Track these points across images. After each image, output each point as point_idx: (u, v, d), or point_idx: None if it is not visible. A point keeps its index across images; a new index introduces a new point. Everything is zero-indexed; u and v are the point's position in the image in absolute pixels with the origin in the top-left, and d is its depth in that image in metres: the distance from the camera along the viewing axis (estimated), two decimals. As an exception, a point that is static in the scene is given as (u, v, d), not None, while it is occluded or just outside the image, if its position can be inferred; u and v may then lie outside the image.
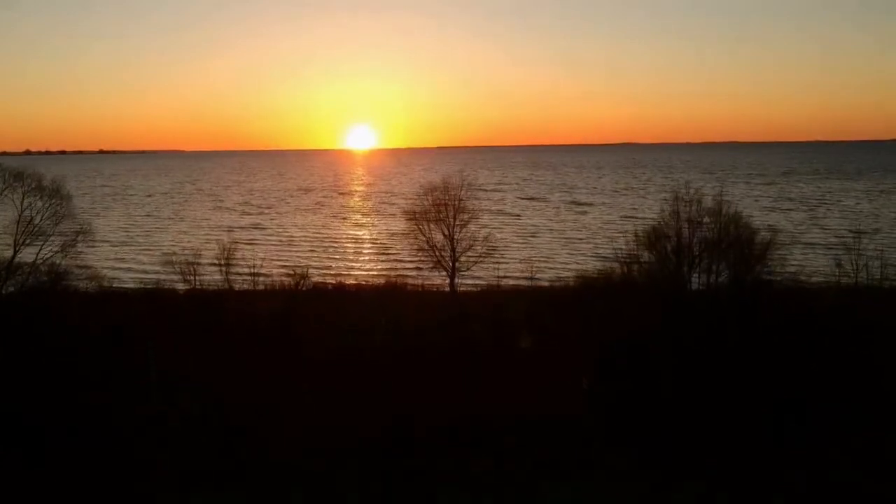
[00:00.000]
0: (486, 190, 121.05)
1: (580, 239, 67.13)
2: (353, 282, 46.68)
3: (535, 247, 60.46)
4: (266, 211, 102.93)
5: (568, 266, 50.87)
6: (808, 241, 60.12)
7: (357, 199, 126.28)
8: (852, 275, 33.61)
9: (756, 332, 28.10)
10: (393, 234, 66.54)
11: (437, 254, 41.08)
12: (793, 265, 35.60)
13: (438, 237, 41.25)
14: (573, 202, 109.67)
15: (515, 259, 52.32)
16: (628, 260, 32.09)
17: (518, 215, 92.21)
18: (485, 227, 46.33)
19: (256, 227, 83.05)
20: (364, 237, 75.89)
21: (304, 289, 39.50)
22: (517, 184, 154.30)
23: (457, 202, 40.94)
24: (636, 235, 30.90)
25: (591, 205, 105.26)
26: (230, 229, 77.23)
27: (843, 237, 56.52)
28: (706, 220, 28.79)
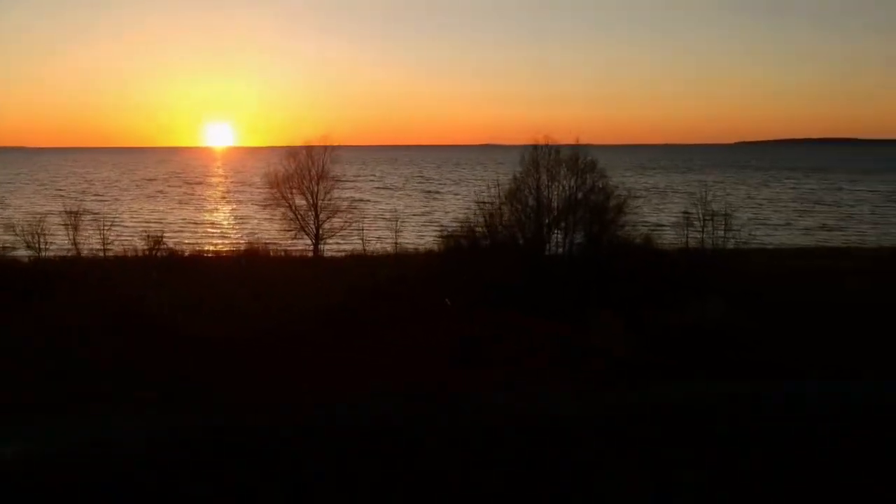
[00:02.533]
0: (343, 180, 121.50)
1: (439, 218, 69.07)
2: (212, 248, 45.99)
3: (398, 223, 61.70)
4: (105, 198, 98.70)
5: (431, 236, 52.35)
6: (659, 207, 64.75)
7: (210, 186, 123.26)
8: (699, 231, 36.67)
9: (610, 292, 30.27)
10: (253, 205, 66.04)
11: (301, 220, 41.30)
12: (646, 225, 38.64)
13: (302, 203, 41.49)
14: (429, 191, 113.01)
15: (381, 228, 53.09)
16: (490, 219, 33.51)
17: (377, 201, 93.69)
18: (349, 196, 46.87)
19: (92, 211, 79.52)
20: (220, 212, 74.60)
21: (159, 255, 38.67)
22: (374, 176, 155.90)
23: (320, 167, 41.33)
24: (498, 192, 32.41)
25: (445, 193, 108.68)
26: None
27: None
28: (564, 170, 30.64)
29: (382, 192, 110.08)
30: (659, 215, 58.56)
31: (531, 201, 30.77)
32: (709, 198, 37.94)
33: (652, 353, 22.76)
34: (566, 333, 24.55)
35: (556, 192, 30.73)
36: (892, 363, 20.34)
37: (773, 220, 65.04)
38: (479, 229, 32.76)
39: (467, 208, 37.96)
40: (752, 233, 39.48)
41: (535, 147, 30.92)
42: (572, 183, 30.75)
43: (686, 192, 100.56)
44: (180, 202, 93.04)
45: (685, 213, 37.95)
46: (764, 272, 34.63)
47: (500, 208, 31.89)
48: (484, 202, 33.39)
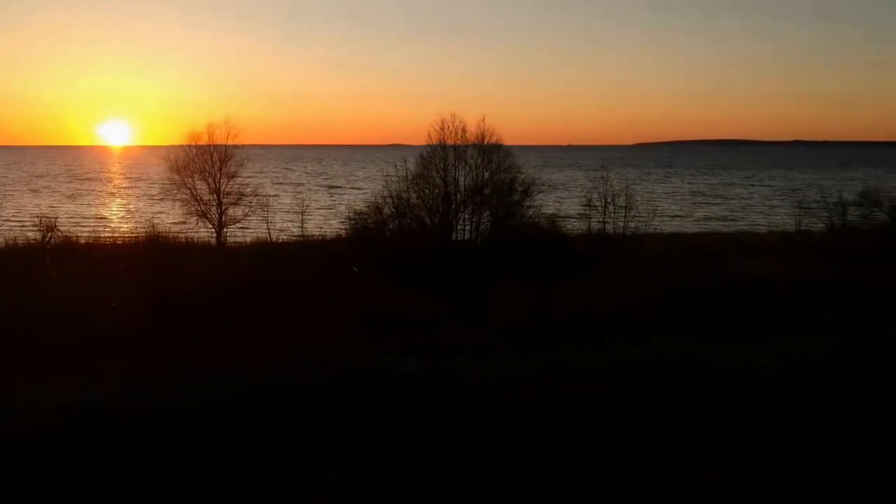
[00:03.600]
0: (243, 177, 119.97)
1: (343, 211, 69.12)
2: (109, 236, 44.74)
3: (303, 213, 61.49)
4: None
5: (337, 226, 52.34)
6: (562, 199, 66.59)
7: (103, 182, 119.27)
8: (601, 216, 38.21)
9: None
10: (149, 199, 64.57)
11: (203, 207, 40.73)
12: (550, 212, 39.85)
13: (203, 189, 40.92)
14: (334, 186, 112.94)
15: (286, 220, 52.77)
16: (398, 201, 33.89)
17: (279, 195, 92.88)
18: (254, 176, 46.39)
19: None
20: (113, 205, 72.53)
21: (51, 243, 37.42)
22: (277, 173, 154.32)
23: (223, 151, 40.86)
24: (406, 172, 32.83)
25: (348, 188, 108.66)
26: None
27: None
28: (471, 149, 31.38)
29: (286, 186, 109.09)
30: (562, 204, 60.25)
31: (438, 180, 31.40)
32: (610, 188, 39.55)
33: (546, 324, 23.62)
34: (468, 308, 25.22)
35: (462, 172, 31.45)
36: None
37: (671, 210, 67.95)
38: (387, 211, 33.15)
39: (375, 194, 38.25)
40: (651, 220, 41.27)
41: (442, 125, 31.56)
42: (479, 162, 31.52)
43: (588, 186, 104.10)
44: (70, 197, 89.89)
45: (587, 199, 39.39)
46: (660, 254, 36.22)
47: (407, 189, 32.38)
48: (392, 184, 33.79)
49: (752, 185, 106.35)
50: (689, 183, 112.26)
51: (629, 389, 14.82)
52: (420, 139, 36.61)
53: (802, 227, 43.43)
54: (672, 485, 10.69)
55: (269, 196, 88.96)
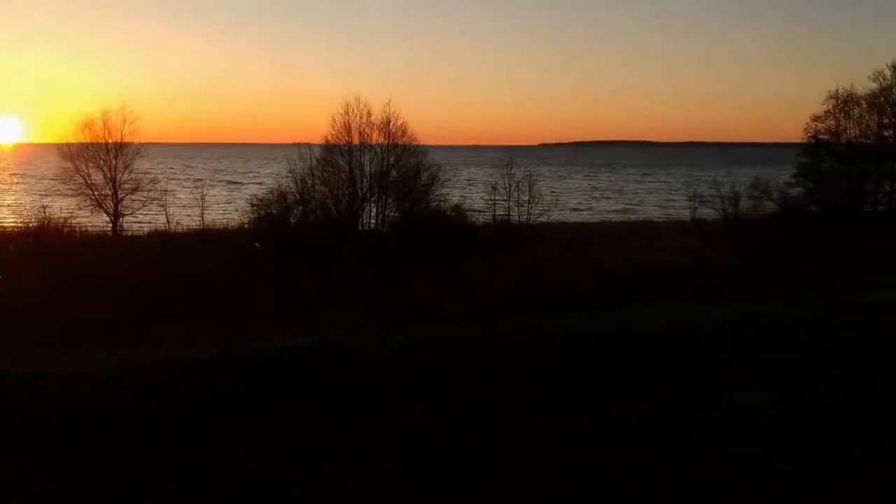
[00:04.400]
0: (140, 172, 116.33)
1: (243, 206, 67.95)
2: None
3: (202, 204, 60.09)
4: None
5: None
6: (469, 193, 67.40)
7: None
8: (505, 202, 38.86)
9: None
10: (39, 193, 61.73)
11: (98, 195, 39.34)
12: (457, 196, 40.33)
13: (98, 178, 39.52)
14: (234, 182, 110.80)
15: (186, 213, 51.34)
16: (303, 186, 33.50)
17: (178, 189, 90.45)
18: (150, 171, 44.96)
19: None
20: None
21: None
22: (174, 169, 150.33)
23: (119, 139, 39.55)
24: (310, 157, 32.45)
25: (248, 184, 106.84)
26: None
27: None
28: (376, 132, 31.38)
29: (183, 181, 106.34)
30: (469, 196, 60.79)
31: (343, 164, 31.26)
32: (514, 180, 40.24)
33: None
34: (375, 291, 25.29)
35: (368, 156, 31.42)
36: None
37: (572, 204, 69.63)
38: (291, 198, 32.82)
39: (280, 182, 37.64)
40: (552, 210, 42.18)
41: (347, 108, 31.42)
42: (385, 147, 31.57)
43: (492, 182, 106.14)
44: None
45: (492, 186, 39.99)
46: (564, 243, 37.13)
47: (311, 174, 32.13)
48: (297, 170, 33.38)
49: (650, 182, 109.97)
50: (589, 178, 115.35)
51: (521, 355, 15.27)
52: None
53: (697, 217, 45.14)
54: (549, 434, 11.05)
55: (167, 191, 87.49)
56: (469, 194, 79.38)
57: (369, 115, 31.24)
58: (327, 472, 9.62)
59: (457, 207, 36.95)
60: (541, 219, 39.34)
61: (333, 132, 31.70)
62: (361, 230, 35.02)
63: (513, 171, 41.65)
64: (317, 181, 32.39)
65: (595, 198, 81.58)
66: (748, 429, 11.32)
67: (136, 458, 10.06)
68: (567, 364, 14.51)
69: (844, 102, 35.56)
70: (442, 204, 36.68)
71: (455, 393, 13.02)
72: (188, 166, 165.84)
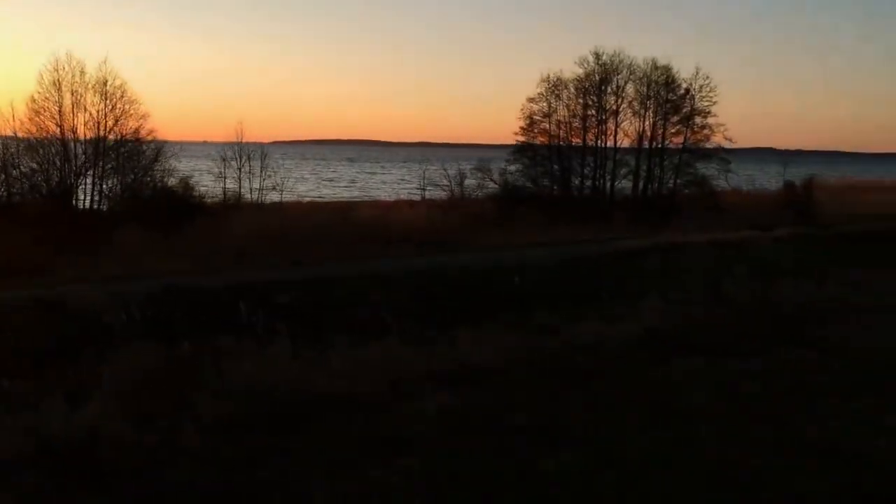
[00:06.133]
0: None
1: None
2: None
3: None
4: None
5: None
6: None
7: None
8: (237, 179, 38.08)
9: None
10: None
11: None
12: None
13: None
14: None
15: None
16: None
17: None
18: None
19: None
20: None
21: None
22: None
23: None
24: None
25: None
26: None
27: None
28: (91, 95, 29.27)
29: None
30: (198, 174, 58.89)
31: (53, 126, 28.79)
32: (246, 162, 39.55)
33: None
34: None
35: (82, 119, 29.22)
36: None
37: (303, 191, 69.74)
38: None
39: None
40: (284, 187, 42.06)
41: (56, 64, 28.81)
42: (101, 108, 29.54)
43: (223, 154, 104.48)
44: None
45: (222, 159, 38.98)
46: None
47: (15, 137, 29.26)
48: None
49: (383, 174, 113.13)
50: (320, 170, 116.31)
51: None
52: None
53: (427, 197, 47.17)
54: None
55: None
56: (202, 172, 76.92)
57: (83, 73, 29.02)
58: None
59: (183, 181, 35.72)
60: (273, 195, 39.05)
61: (41, 91, 29.02)
62: (77, 206, 32.57)
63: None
64: (21, 148, 29.54)
65: (327, 186, 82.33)
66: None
67: None
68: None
69: (554, 86, 38.94)
70: (167, 178, 35.24)
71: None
72: None
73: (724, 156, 39.20)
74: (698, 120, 38.79)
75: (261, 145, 39.50)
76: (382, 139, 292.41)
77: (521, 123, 40.77)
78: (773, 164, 52.20)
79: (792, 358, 13.87)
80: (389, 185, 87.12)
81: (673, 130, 39.09)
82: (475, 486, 8.41)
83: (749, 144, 72.73)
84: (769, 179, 53.62)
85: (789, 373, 12.83)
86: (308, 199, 51.49)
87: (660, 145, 39.05)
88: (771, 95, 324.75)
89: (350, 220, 29.38)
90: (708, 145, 38.95)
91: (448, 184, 44.93)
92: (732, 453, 9.18)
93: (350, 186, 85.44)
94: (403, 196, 61.05)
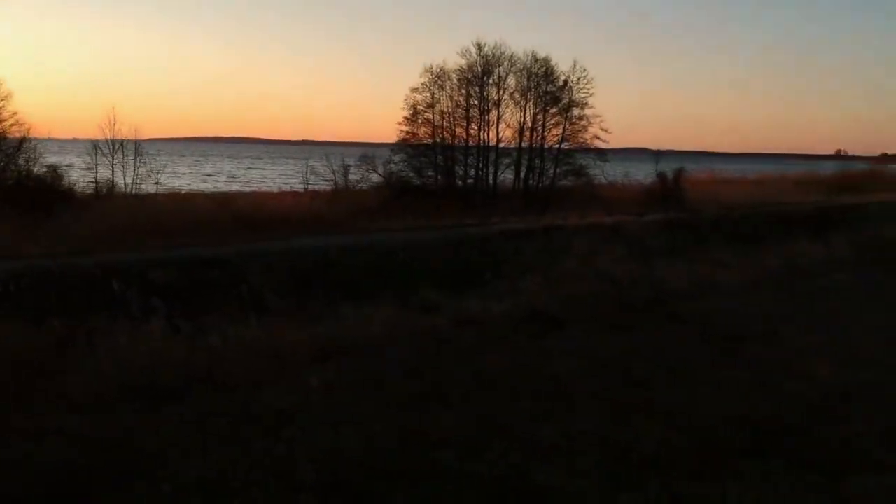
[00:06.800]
0: None
1: None
2: None
3: None
4: None
5: None
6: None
7: None
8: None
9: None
10: None
11: None
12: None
13: None
14: None
15: None
16: None
17: None
18: None
19: None
20: None
21: None
22: None
23: None
24: None
25: None
26: None
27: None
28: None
29: None
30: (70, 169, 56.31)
31: None
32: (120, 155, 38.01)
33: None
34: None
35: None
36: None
37: (183, 185, 67.45)
38: None
39: None
40: (160, 174, 40.66)
41: None
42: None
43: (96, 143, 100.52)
44: None
45: (94, 147, 37.22)
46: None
47: None
48: None
49: (265, 170, 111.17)
50: (198, 166, 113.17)
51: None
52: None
53: (310, 189, 46.49)
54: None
55: None
56: (70, 165, 73.57)
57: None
58: None
59: (52, 168, 33.99)
60: (149, 186, 37.61)
61: None
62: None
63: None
64: None
65: (206, 181, 79.93)
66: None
67: None
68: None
69: (438, 77, 39.02)
70: (34, 165, 33.53)
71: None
72: None
73: (601, 146, 40.32)
74: (576, 111, 39.67)
75: (135, 141, 37.71)
76: (264, 137, 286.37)
77: (406, 114, 40.67)
78: (647, 162, 54.59)
79: (661, 330, 14.56)
80: (271, 179, 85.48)
81: (552, 121, 39.90)
82: (359, 453, 8.45)
83: (624, 144, 75.50)
84: (644, 176, 55.82)
85: (657, 343, 13.48)
86: (185, 191, 49.87)
87: (540, 136, 39.84)
88: (645, 98, 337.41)
89: (229, 209, 28.65)
90: (585, 136, 40.01)
91: (332, 176, 44.49)
92: (603, 417, 9.63)
93: (230, 181, 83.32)
94: (286, 189, 60.11)
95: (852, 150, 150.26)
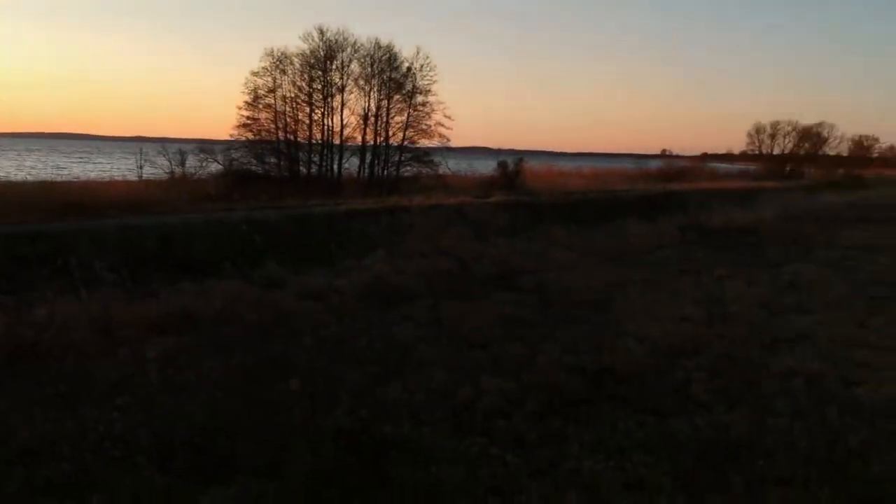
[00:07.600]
0: None
1: None
2: None
3: None
4: None
5: None
6: None
7: None
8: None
9: None
10: None
11: None
12: None
13: None
14: None
15: None
16: None
17: None
18: None
19: None
20: None
21: None
22: None
23: None
24: None
25: None
26: None
27: None
28: None
29: None
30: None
31: None
32: None
33: None
34: None
35: None
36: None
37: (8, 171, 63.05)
38: None
39: None
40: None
41: None
42: None
43: None
44: None
45: None
46: None
47: None
48: None
49: (97, 163, 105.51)
50: (19, 160, 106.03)
51: None
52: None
53: (144, 177, 44.44)
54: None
55: None
56: None
57: None
58: None
59: None
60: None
61: None
62: None
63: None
64: None
65: (30, 175, 74.79)
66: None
67: None
68: None
69: (279, 61, 38.20)
70: None
71: None
72: None
73: (444, 133, 40.78)
74: (420, 97, 40.03)
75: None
76: (92, 133, 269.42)
77: (246, 98, 39.56)
78: (488, 159, 56.28)
79: (503, 299, 14.97)
80: (103, 171, 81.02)
81: (397, 108, 40.05)
82: (200, 417, 8.17)
83: (466, 144, 77.22)
84: (486, 169, 57.23)
85: (498, 310, 13.86)
86: (5, 180, 46.43)
87: (385, 122, 39.88)
88: (485, 98, 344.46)
89: (58, 193, 26.86)
90: (429, 122, 40.38)
91: (168, 164, 42.68)
92: (451, 376, 9.80)
93: (58, 173, 78.33)
94: (118, 177, 57.14)
95: (677, 149, 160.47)
